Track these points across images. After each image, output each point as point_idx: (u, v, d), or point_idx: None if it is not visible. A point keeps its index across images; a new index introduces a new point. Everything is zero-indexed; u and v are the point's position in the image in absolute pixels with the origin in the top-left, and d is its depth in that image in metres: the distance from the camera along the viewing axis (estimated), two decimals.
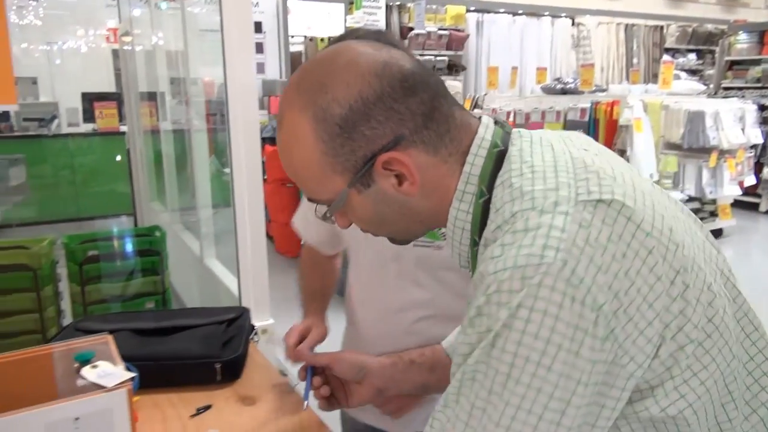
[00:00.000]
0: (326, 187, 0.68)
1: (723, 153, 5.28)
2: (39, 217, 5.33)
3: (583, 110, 5.22)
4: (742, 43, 8.49)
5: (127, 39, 4.75)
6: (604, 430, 0.59)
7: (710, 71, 9.23)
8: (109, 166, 5.65)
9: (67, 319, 2.57)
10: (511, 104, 5.98)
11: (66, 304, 2.57)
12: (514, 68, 7.11)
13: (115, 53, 6.64)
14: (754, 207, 6.76)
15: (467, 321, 0.60)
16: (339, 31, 6.68)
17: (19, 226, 5.16)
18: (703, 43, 9.72)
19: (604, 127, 5.03)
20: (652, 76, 8.63)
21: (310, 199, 0.72)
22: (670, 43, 9.44)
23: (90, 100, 5.80)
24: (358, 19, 6.68)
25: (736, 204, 5.98)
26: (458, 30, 7.62)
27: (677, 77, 6.07)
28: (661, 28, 9.32)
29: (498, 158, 0.67)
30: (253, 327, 1.40)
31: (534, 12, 8.17)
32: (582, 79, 5.52)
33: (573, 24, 8.52)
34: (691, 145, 5.08)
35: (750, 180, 5.77)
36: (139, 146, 4.78)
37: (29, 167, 5.02)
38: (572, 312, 0.54)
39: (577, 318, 0.54)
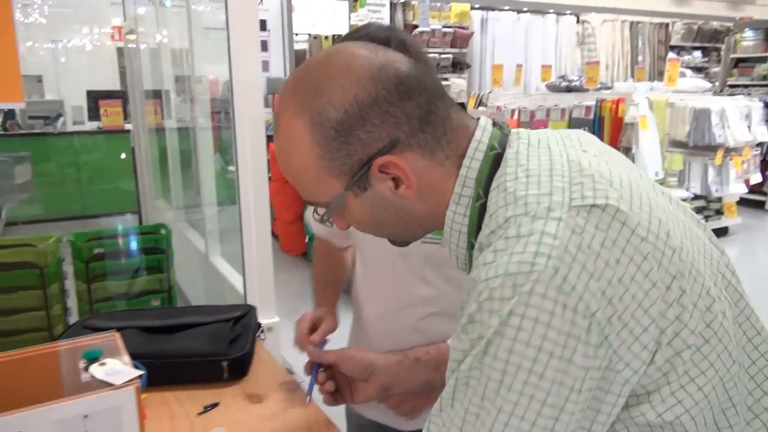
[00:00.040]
0: (323, 191, 0.68)
1: (729, 151, 5.26)
2: (44, 214, 5.34)
3: (588, 108, 5.20)
4: (748, 41, 8.44)
5: (132, 37, 4.76)
6: None
7: (716, 69, 9.19)
8: (114, 164, 5.66)
9: (73, 317, 2.58)
10: (516, 102, 5.97)
11: (72, 302, 2.58)
12: (519, 66, 7.09)
13: (120, 51, 6.65)
14: (760, 205, 6.74)
15: (460, 327, 0.60)
16: (343, 28, 6.68)
17: (25, 224, 5.18)
18: (708, 40, 9.68)
19: (609, 125, 5.01)
20: (657, 74, 8.60)
21: (307, 202, 0.73)
22: (675, 40, 9.40)
23: (95, 98, 5.81)
24: (363, 16, 6.68)
25: (742, 202, 5.96)
26: (463, 27, 7.60)
27: (682, 75, 6.04)
28: (667, 25, 9.28)
29: (495, 161, 0.67)
30: (259, 325, 1.40)
31: (539, 9, 8.14)
32: (587, 76, 5.50)
33: (578, 21, 8.49)
34: (697, 143, 5.06)
35: (756, 178, 5.74)
36: (143, 144, 4.79)
37: (35, 165, 5.04)
38: (564, 319, 0.54)
39: (569, 325, 0.54)
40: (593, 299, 0.55)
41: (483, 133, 0.68)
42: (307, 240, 4.79)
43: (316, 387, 0.99)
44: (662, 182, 5.18)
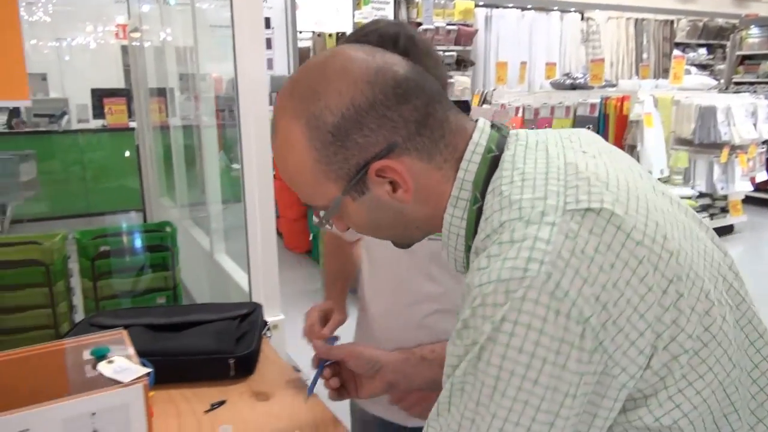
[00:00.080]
0: (321, 194, 0.68)
1: (734, 148, 5.24)
2: (49, 212, 5.36)
3: (592, 105, 5.19)
4: (753, 38, 8.40)
5: (136, 35, 4.77)
6: None
7: (721, 66, 9.15)
8: (119, 162, 5.68)
9: (79, 314, 2.59)
10: (520, 100, 5.96)
11: (78, 299, 2.59)
12: (523, 63, 7.07)
13: (124, 49, 6.66)
14: (765, 203, 6.71)
15: (455, 333, 0.60)
16: (347, 26, 6.67)
17: (30, 221, 5.20)
18: (713, 37, 9.63)
19: (614, 123, 5.00)
20: (662, 71, 8.56)
21: (306, 205, 0.72)
22: (680, 37, 9.35)
23: (99, 96, 5.82)
24: (366, 14, 6.67)
25: (748, 200, 5.93)
26: (467, 25, 7.58)
27: (687, 72, 6.02)
28: (672, 22, 9.24)
29: (492, 163, 0.66)
30: (265, 323, 1.40)
31: (543, 7, 8.11)
32: (592, 74, 5.48)
33: (582, 19, 8.45)
34: (702, 141, 5.04)
35: (762, 176, 5.71)
36: (148, 142, 4.80)
37: (40, 163, 5.05)
38: (557, 325, 0.54)
39: (562, 331, 0.54)
40: (587, 304, 0.54)
41: (481, 136, 0.68)
42: (311, 238, 4.79)
43: (322, 381, 1.00)
44: (667, 180, 5.17)
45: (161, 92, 4.46)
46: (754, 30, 8.41)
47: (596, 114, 5.14)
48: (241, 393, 1.20)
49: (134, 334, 1.12)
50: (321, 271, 1.40)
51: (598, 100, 5.13)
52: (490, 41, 7.81)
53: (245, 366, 1.24)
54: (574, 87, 5.75)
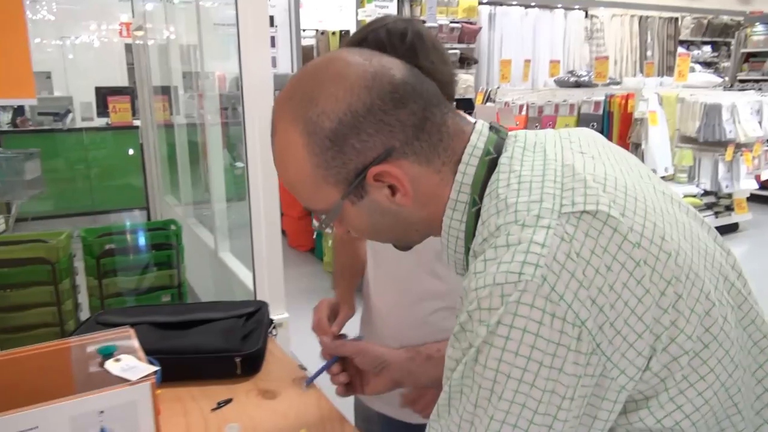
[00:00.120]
0: (320, 199, 0.68)
1: (739, 146, 5.22)
2: (54, 210, 5.38)
3: (597, 103, 5.17)
4: (758, 35, 8.36)
5: (140, 33, 4.77)
6: None
7: (726, 63, 9.11)
8: (123, 161, 5.69)
9: (84, 312, 2.59)
10: (524, 97, 5.94)
11: (83, 297, 2.60)
12: (527, 61, 7.05)
13: (128, 47, 6.67)
14: None
15: (453, 336, 0.60)
16: (350, 24, 6.66)
17: (35, 220, 5.21)
18: (718, 35, 9.59)
19: (619, 121, 4.98)
20: (666, 69, 8.53)
21: (306, 209, 0.73)
22: (684, 35, 9.31)
23: (104, 94, 5.83)
24: (370, 12, 6.65)
25: (753, 198, 5.92)
26: (470, 23, 7.56)
27: (692, 70, 6.00)
28: (676, 20, 9.20)
29: (490, 166, 0.66)
30: (271, 321, 1.40)
31: (547, 4, 8.08)
32: (596, 71, 5.46)
33: (586, 16, 8.42)
34: (707, 139, 5.02)
35: (767, 174, 5.69)
36: (152, 140, 4.81)
37: (44, 161, 5.06)
38: (553, 329, 0.54)
39: (558, 335, 0.54)
40: (583, 308, 0.54)
41: (479, 138, 0.68)
42: (315, 236, 4.79)
43: (320, 379, 1.00)
44: (672, 178, 5.15)
45: (165, 90, 4.46)
46: (759, 27, 8.37)
47: (600, 112, 5.13)
48: (247, 391, 1.20)
49: (141, 332, 1.12)
50: (333, 262, 1.41)
51: (602, 98, 5.11)
52: (494, 39, 7.79)
53: (252, 364, 1.24)
54: (578, 85, 5.74)
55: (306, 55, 6.59)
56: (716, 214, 5.48)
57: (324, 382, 1.02)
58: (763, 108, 5.39)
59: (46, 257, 2.31)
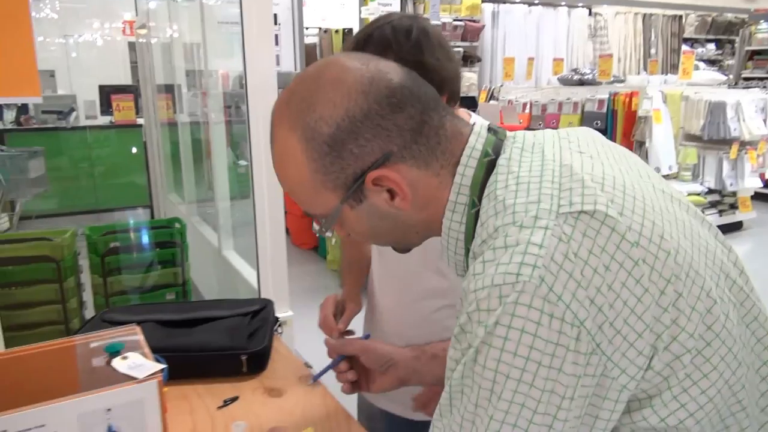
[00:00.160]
0: (320, 203, 0.69)
1: (744, 144, 5.20)
2: (58, 208, 5.39)
3: (600, 101, 5.16)
4: (763, 33, 8.33)
5: (143, 31, 4.77)
6: None
7: (730, 61, 9.08)
8: (127, 159, 5.70)
9: (89, 310, 2.60)
10: (528, 95, 5.93)
11: (87, 295, 2.60)
12: (531, 59, 7.04)
13: (131, 46, 6.67)
14: None
15: (453, 337, 0.60)
16: (354, 22, 6.66)
17: (39, 218, 5.23)
18: (722, 32, 9.55)
19: (623, 119, 4.97)
20: (670, 67, 8.51)
21: (306, 213, 0.73)
22: (688, 33, 9.28)
23: (107, 92, 5.83)
24: (373, 10, 6.64)
25: (757, 196, 5.90)
26: (473, 21, 7.55)
27: (696, 68, 5.98)
28: (680, 17, 9.16)
29: (489, 167, 0.67)
30: (277, 319, 1.40)
31: (550, 2, 8.07)
32: (600, 69, 5.45)
33: (590, 14, 8.40)
34: (712, 137, 5.01)
35: None
36: (155, 138, 4.81)
37: (48, 159, 5.07)
38: (551, 329, 0.54)
39: (557, 335, 0.54)
40: (582, 308, 0.55)
41: (477, 140, 0.68)
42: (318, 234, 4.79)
43: (324, 376, 1.00)
44: (676, 176, 5.14)
45: (169, 89, 4.47)
46: (764, 25, 8.33)
47: (604, 110, 5.11)
48: (254, 389, 1.20)
49: (147, 330, 1.12)
50: (340, 259, 1.44)
51: (606, 96, 5.10)
52: (497, 37, 7.78)
53: (258, 362, 1.24)
54: (581, 83, 5.72)
55: (309, 53, 6.59)
56: (720, 212, 5.46)
57: (330, 380, 1.02)
58: (767, 106, 5.37)
59: (51, 255, 2.31)
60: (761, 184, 5.55)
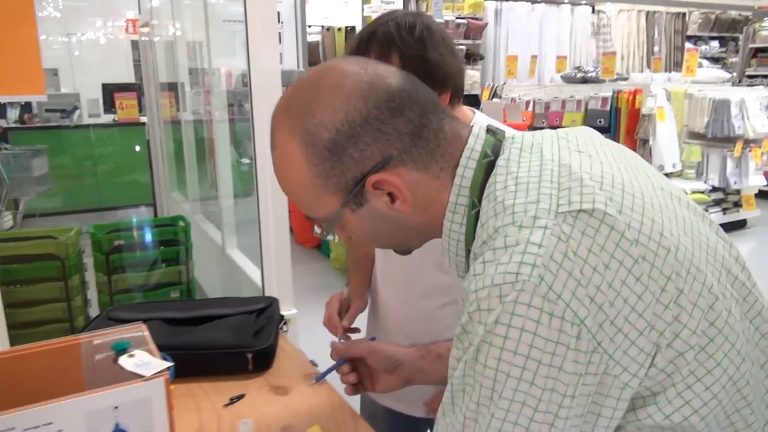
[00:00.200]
0: (321, 207, 0.69)
1: (748, 142, 5.19)
2: (61, 207, 5.40)
3: (604, 99, 5.15)
4: (767, 30, 8.30)
5: (146, 30, 4.78)
6: None
7: (733, 59, 9.06)
8: (130, 157, 5.71)
9: (93, 308, 2.61)
10: (531, 93, 5.93)
11: (92, 293, 2.61)
12: (534, 57, 7.03)
13: (134, 44, 6.68)
14: None
15: (455, 337, 0.61)
16: (356, 20, 6.65)
17: (42, 216, 5.24)
18: (726, 30, 9.52)
19: (626, 117, 4.96)
20: (674, 65, 8.49)
21: (307, 217, 0.74)
22: (692, 30, 9.25)
23: (110, 91, 5.84)
24: (376, 8, 6.63)
25: (761, 194, 5.88)
26: (476, 19, 7.53)
27: (699, 65, 5.96)
28: (683, 15, 9.14)
29: (488, 168, 0.67)
30: (282, 317, 1.40)
31: (553, 0, 8.05)
32: (604, 67, 5.44)
33: (593, 11, 8.38)
34: (716, 135, 5.00)
35: None
36: (159, 137, 4.82)
37: (51, 158, 5.09)
38: (551, 328, 0.54)
39: (557, 334, 0.54)
40: (582, 306, 0.55)
41: (476, 141, 0.69)
42: None
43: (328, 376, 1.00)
44: (680, 174, 5.12)
45: (172, 87, 4.47)
46: None
47: (608, 108, 5.11)
48: (259, 387, 1.20)
49: (152, 328, 1.12)
50: (346, 257, 1.45)
51: (609, 94, 5.09)
52: (500, 35, 7.77)
53: (263, 360, 1.24)
54: (585, 80, 5.71)
55: (312, 51, 6.58)
56: (724, 210, 5.45)
57: (336, 378, 1.02)
58: None
59: (56, 253, 2.32)
60: (765, 182, 5.53)
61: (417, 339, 1.03)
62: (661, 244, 0.59)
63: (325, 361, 1.03)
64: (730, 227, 5.42)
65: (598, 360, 0.55)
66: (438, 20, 7.09)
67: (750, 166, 5.25)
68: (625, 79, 5.78)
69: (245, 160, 3.56)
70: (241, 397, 1.16)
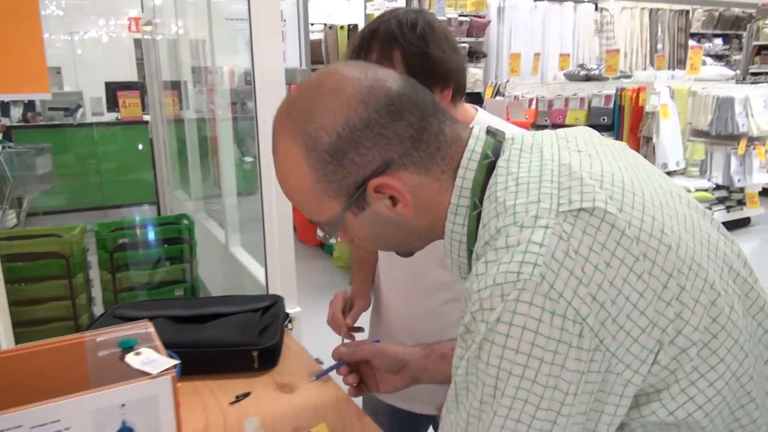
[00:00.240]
0: (322, 211, 0.70)
1: (752, 140, 5.17)
2: (65, 205, 5.42)
3: (607, 97, 5.14)
4: None
5: (149, 28, 4.78)
6: None
7: (737, 56, 9.03)
8: (133, 155, 5.72)
9: (98, 306, 2.61)
10: (534, 91, 5.92)
11: (96, 291, 2.62)
12: (537, 54, 7.02)
13: (137, 42, 6.68)
14: None
15: (459, 337, 0.61)
16: (359, 18, 6.64)
17: (46, 214, 5.25)
18: (729, 27, 9.49)
19: (630, 114, 4.95)
20: (677, 62, 8.46)
21: (309, 221, 0.74)
22: (695, 28, 9.22)
23: (113, 89, 5.85)
24: (378, 6, 6.63)
25: (765, 192, 5.87)
26: (479, 16, 7.52)
27: (703, 63, 5.94)
28: (687, 12, 9.11)
29: (489, 169, 0.68)
30: (287, 315, 1.41)
31: None
32: (607, 64, 5.43)
33: (596, 9, 8.36)
34: (720, 132, 4.98)
35: None
36: (162, 135, 4.82)
37: (55, 156, 5.10)
38: (553, 326, 0.55)
39: (559, 332, 0.55)
40: (583, 304, 0.55)
41: (476, 143, 0.69)
42: None
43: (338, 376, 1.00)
44: (683, 172, 5.11)
45: (175, 85, 4.47)
46: None
47: (611, 105, 5.10)
48: (265, 385, 1.20)
49: (158, 326, 1.12)
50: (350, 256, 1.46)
51: (613, 92, 5.08)
52: (503, 32, 7.75)
53: (269, 358, 1.25)
54: (588, 78, 5.70)
55: (314, 49, 6.57)
56: (728, 208, 5.43)
57: (340, 377, 1.02)
58: None
59: (60, 251, 2.32)
60: None
61: (420, 336, 1.03)
62: (662, 241, 0.59)
63: (330, 360, 1.03)
64: (733, 225, 5.40)
65: (601, 358, 0.56)
66: (440, 18, 7.08)
67: (754, 163, 5.24)
68: (629, 76, 5.77)
69: (248, 159, 3.56)
70: (246, 395, 1.16)
